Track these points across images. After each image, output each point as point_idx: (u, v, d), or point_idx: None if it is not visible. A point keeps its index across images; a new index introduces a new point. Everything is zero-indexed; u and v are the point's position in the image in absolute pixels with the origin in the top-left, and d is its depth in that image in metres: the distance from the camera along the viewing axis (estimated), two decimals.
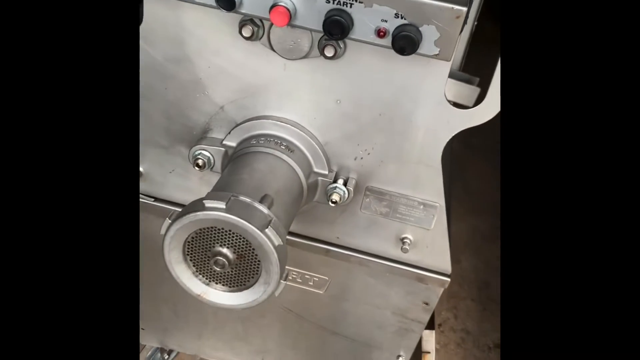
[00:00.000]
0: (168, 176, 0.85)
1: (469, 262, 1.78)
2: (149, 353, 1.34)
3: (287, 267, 0.91)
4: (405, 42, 0.59)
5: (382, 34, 0.60)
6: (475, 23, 1.04)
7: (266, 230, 0.59)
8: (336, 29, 0.60)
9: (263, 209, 0.62)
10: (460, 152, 2.06)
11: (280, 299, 0.99)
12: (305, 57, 0.69)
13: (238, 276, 0.63)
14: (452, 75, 0.71)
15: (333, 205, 0.76)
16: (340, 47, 0.66)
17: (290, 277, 0.93)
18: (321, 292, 0.94)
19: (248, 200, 0.61)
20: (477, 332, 1.58)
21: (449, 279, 0.86)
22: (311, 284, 0.93)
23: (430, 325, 1.05)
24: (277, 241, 0.59)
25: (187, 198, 0.87)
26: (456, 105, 0.76)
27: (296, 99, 0.74)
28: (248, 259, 0.61)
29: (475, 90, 0.72)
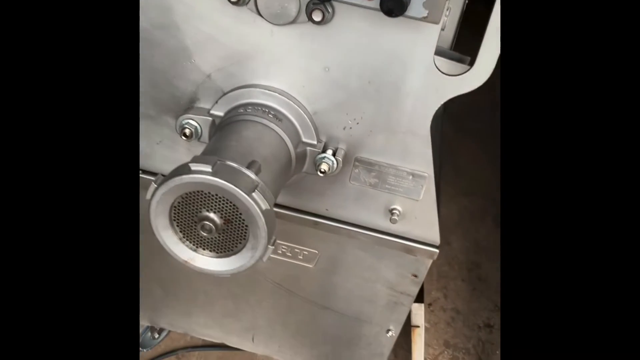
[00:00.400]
0: (155, 147, 0.84)
1: (459, 242, 1.79)
2: (140, 332, 1.33)
3: (276, 240, 0.92)
4: (393, 3, 0.58)
5: None
6: (467, 1, 1.04)
7: (253, 194, 0.58)
8: None
9: (250, 174, 0.61)
10: (451, 136, 2.06)
11: (270, 273, 0.99)
12: (293, 22, 0.68)
13: (225, 241, 0.62)
14: (443, 54, 0.70)
15: (322, 175, 0.75)
16: (328, 12, 0.65)
17: (279, 251, 0.93)
18: (311, 266, 0.94)
19: (235, 165, 0.61)
20: (467, 312, 1.59)
21: (437, 250, 0.86)
22: (301, 257, 0.93)
23: (419, 299, 1.05)
24: (265, 205, 0.59)
25: None
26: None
27: (284, 67, 0.73)
28: (235, 224, 0.61)
29: (466, 69, 0.72)
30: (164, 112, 0.80)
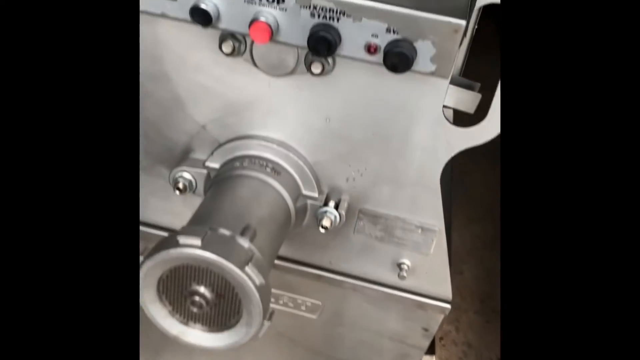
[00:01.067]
0: (149, 198, 0.80)
1: (471, 272, 1.73)
2: None
3: (277, 290, 0.87)
4: (397, 59, 0.54)
5: (372, 50, 0.55)
6: (476, 27, 0.99)
7: (246, 268, 0.54)
8: (322, 46, 0.54)
9: (244, 242, 0.56)
10: (461, 157, 2.00)
11: (273, 322, 0.94)
12: (291, 73, 0.64)
13: (218, 316, 0.58)
14: (452, 81, 0.66)
15: (324, 231, 0.70)
16: (328, 64, 0.61)
17: (280, 302, 0.88)
18: (314, 317, 0.89)
19: (227, 233, 0.56)
20: (480, 346, 1.53)
21: (449, 306, 0.80)
22: (304, 308, 0.88)
23: (430, 350, 1.00)
24: (259, 280, 0.54)
25: (170, 221, 0.82)
26: (456, 114, 0.70)
27: (282, 118, 0.68)
28: (228, 299, 0.56)
29: (476, 97, 0.67)
30: (157, 163, 0.76)
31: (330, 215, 0.71)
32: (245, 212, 0.61)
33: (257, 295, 0.54)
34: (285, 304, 0.89)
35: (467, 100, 0.67)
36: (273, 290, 0.86)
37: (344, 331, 0.90)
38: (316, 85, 0.64)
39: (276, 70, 0.64)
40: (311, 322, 0.90)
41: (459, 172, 1.90)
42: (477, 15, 0.96)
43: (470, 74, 1.00)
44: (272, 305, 0.89)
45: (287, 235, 0.71)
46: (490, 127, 0.63)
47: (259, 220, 0.61)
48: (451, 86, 0.63)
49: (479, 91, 0.68)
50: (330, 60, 0.61)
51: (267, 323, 0.57)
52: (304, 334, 0.93)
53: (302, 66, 0.62)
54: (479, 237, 1.82)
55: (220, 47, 0.62)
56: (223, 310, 0.57)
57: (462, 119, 0.66)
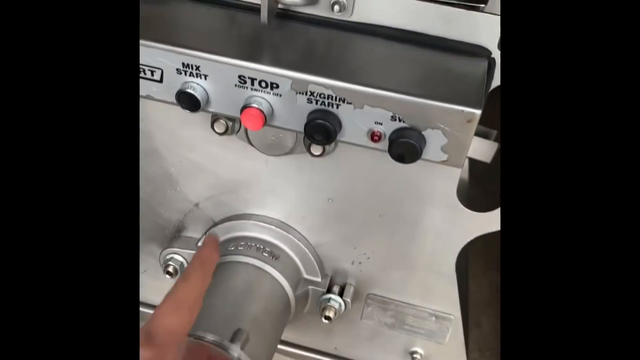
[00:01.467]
0: (140, 277, 0.74)
1: (490, 324, 1.63)
2: None
3: None
4: (404, 149, 0.48)
5: (376, 138, 0.49)
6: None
7: None
8: (320, 134, 0.49)
9: (234, 351, 0.50)
10: (479, 200, 1.93)
11: None
12: (289, 153, 0.58)
13: None
14: None
15: (327, 322, 0.64)
16: (329, 145, 0.55)
17: None
18: None
19: (216, 340, 0.50)
20: None
21: None
22: None
23: None
24: None
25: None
26: (472, 162, 0.64)
27: (281, 197, 0.63)
28: None
29: (493, 145, 0.61)
30: (148, 241, 0.71)
31: (334, 304, 0.65)
32: (238, 312, 0.55)
33: None
34: None
35: (483, 149, 0.61)
36: None
37: None
38: (317, 165, 0.59)
39: (273, 150, 0.58)
40: None
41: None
42: None
43: (486, 119, 0.93)
44: None
45: (285, 326, 0.64)
46: None
47: (253, 319, 0.55)
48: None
49: (496, 139, 0.62)
50: (332, 144, 0.56)
51: None
52: None
53: (302, 146, 0.57)
54: (498, 286, 1.73)
55: (212, 127, 0.57)
56: None
57: (476, 203, 0.60)
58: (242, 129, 0.58)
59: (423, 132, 0.47)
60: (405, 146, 0.47)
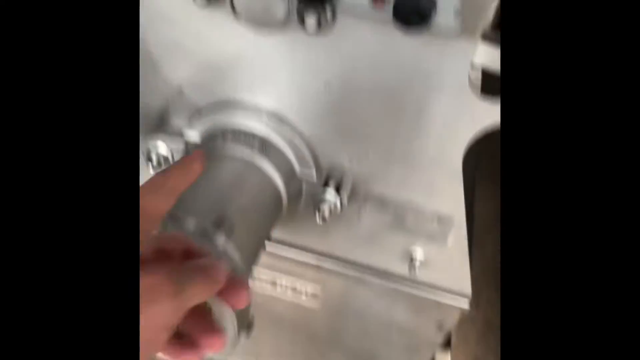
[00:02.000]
0: None
1: (495, 246, 1.61)
2: None
3: (273, 272, 0.77)
4: (411, 8, 0.41)
5: (379, 1, 0.42)
6: None
7: None
8: None
9: (217, 240, 0.46)
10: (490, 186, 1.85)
11: (270, 310, 0.85)
12: (281, 29, 0.51)
13: None
14: (483, 35, 0.53)
15: (322, 222, 0.59)
16: (326, 18, 0.48)
17: (277, 289, 0.79)
18: (316, 307, 0.79)
19: (194, 225, 0.46)
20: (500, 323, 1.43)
21: (467, 303, 0.70)
22: (304, 298, 0.79)
23: (444, 345, 0.90)
24: None
25: None
26: (486, 77, 0.58)
27: (273, 82, 0.57)
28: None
29: None
30: None
31: (330, 199, 0.60)
32: (223, 199, 0.51)
33: (229, 309, 0.44)
34: (283, 292, 0.79)
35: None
36: (268, 273, 0.77)
37: (349, 322, 0.81)
38: (313, 44, 0.52)
39: (263, 24, 0.51)
40: (313, 312, 0.81)
41: (481, 195, 1.76)
42: None
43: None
44: (268, 293, 0.80)
45: (275, 223, 0.60)
46: None
47: (241, 210, 0.51)
48: (482, 42, 0.50)
49: None
50: (328, 12, 0.48)
51: (243, 335, 0.47)
52: (305, 321, 0.84)
53: (295, 21, 0.50)
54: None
55: None
56: None
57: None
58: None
59: None
60: (411, 8, 0.41)
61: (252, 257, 0.51)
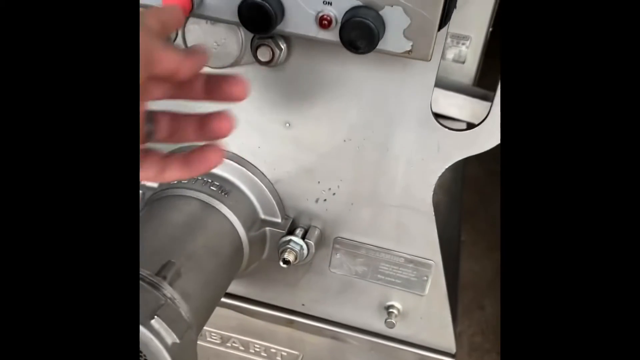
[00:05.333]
0: None
1: (494, 307, 1.54)
2: None
3: (246, 338, 0.71)
4: (357, 33, 0.39)
5: (325, 22, 0.40)
6: (491, 29, 0.85)
7: (152, 322, 0.39)
8: (256, 17, 0.40)
9: (162, 285, 0.42)
10: (483, 180, 1.83)
11: None
12: (236, 64, 0.50)
13: None
14: (464, 91, 0.52)
15: (285, 266, 0.55)
16: (280, 48, 0.47)
17: (252, 350, 0.73)
18: None
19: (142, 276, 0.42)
20: None
21: None
22: (279, 359, 0.73)
23: None
24: (171, 338, 0.39)
25: None
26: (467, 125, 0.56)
27: None
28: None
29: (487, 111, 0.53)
30: None
31: (295, 247, 0.56)
32: (172, 245, 0.47)
33: (167, 356, 0.39)
34: (257, 353, 0.73)
35: (483, 112, 0.52)
36: (241, 338, 0.71)
37: None
38: (270, 78, 0.51)
39: (217, 62, 0.50)
40: None
41: (478, 194, 1.73)
42: (492, 11, 0.82)
43: (487, 82, 0.85)
44: (241, 354, 0.74)
45: (239, 273, 0.56)
46: (489, 133, 0.48)
47: (189, 255, 0.47)
48: (463, 97, 0.49)
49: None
50: (282, 43, 0.47)
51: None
52: None
53: (249, 54, 0.49)
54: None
55: None
56: None
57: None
58: (179, 35, 0.50)
59: (381, 12, 0.39)
60: (358, 27, 0.39)
61: (204, 304, 0.47)
